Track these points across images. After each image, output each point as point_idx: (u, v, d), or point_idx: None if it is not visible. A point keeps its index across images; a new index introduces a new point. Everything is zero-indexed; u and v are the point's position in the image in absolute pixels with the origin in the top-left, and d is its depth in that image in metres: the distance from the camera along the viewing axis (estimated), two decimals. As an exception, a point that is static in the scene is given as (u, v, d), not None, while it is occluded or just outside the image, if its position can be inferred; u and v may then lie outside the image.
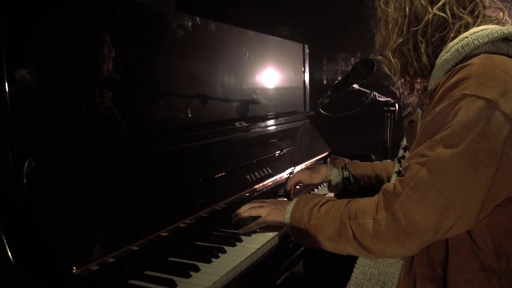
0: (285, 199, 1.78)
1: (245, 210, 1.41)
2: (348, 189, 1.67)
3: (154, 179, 1.34)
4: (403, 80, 1.23)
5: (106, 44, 1.31)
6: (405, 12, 1.12)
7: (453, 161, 0.93)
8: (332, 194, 1.75)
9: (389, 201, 1.02)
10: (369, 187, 1.65)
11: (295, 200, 1.28)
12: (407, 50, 1.14)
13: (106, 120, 1.32)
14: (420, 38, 1.11)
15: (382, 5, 1.18)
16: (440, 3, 1.08)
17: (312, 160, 2.27)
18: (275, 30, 3.68)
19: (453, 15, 1.08)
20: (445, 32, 1.09)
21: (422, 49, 1.11)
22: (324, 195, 1.31)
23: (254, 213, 1.39)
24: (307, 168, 1.81)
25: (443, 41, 1.10)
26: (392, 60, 1.19)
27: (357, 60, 1.68)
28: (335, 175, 1.69)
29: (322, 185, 1.91)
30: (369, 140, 2.79)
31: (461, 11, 1.08)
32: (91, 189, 1.13)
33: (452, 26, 1.08)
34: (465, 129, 0.92)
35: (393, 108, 2.05)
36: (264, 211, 1.36)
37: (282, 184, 1.94)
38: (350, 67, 1.79)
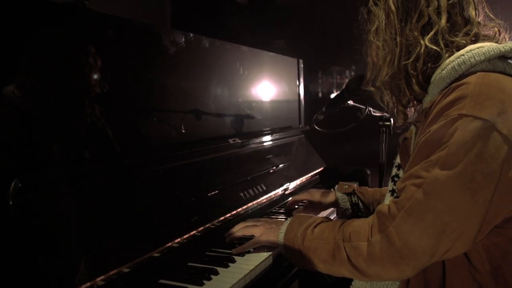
0: (281, 217, 1.76)
1: (239, 230, 1.38)
2: (357, 216, 1.64)
3: (145, 198, 1.31)
4: (396, 109, 1.21)
5: (97, 61, 1.29)
6: (396, 43, 1.08)
7: (449, 183, 0.91)
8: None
9: (383, 223, 1.00)
10: None
11: (289, 220, 1.26)
12: (399, 81, 1.11)
13: (96, 138, 1.30)
14: (412, 71, 1.08)
15: (372, 35, 1.14)
16: (431, 33, 1.05)
17: (307, 176, 2.25)
18: (270, 45, 3.69)
19: (446, 44, 1.05)
20: (439, 63, 1.05)
21: (414, 81, 1.09)
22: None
23: (247, 232, 1.36)
24: (315, 190, 1.78)
25: (437, 67, 1.06)
26: (385, 91, 1.16)
27: (352, 77, 1.67)
28: (344, 201, 1.66)
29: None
30: (365, 155, 2.78)
31: (454, 36, 1.05)
32: (80, 210, 1.11)
33: (445, 54, 1.05)
34: (461, 150, 0.90)
35: (388, 123, 2.04)
36: (258, 230, 1.34)
37: (277, 200, 1.92)
38: (346, 80, 1.78)
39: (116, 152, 1.35)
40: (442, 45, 1.05)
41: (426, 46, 1.05)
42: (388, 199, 1.23)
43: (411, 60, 1.07)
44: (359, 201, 1.63)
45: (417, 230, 0.93)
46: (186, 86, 1.68)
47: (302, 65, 2.63)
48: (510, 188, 0.92)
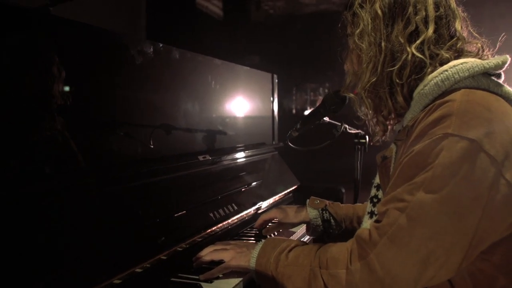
0: (251, 240, 1.67)
1: (207, 254, 1.29)
2: (328, 233, 1.56)
3: (105, 218, 1.21)
4: (375, 120, 1.17)
5: (58, 70, 1.20)
6: (381, 48, 1.05)
7: (435, 207, 0.85)
8: (306, 238, 1.65)
9: (364, 249, 0.93)
10: (351, 230, 1.53)
11: (261, 244, 1.18)
12: (382, 90, 1.07)
13: (55, 154, 1.20)
14: (397, 80, 1.04)
15: (356, 38, 1.10)
16: (418, 42, 1.02)
17: (280, 194, 2.18)
18: (245, 60, 3.66)
19: (431, 55, 1.02)
20: (422, 74, 1.02)
21: (398, 90, 1.05)
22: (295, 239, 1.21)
23: (216, 257, 1.27)
24: (284, 206, 1.69)
25: (420, 81, 1.03)
26: (365, 99, 1.12)
27: (328, 93, 1.61)
28: (315, 217, 1.57)
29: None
30: (339, 173, 2.73)
31: (439, 48, 1.02)
32: (34, 231, 1.00)
33: (429, 66, 1.02)
34: (447, 173, 0.85)
35: (364, 140, 2.00)
36: (227, 254, 1.24)
37: (249, 221, 1.83)
38: (319, 97, 1.72)
39: (74, 169, 1.25)
40: (427, 55, 1.01)
41: (413, 54, 1.01)
42: (366, 222, 1.17)
43: (396, 67, 1.03)
44: (331, 218, 1.55)
45: (400, 257, 0.87)
46: (155, 99, 1.59)
47: (276, 80, 2.57)
48: (498, 212, 0.86)
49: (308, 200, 1.62)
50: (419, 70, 1.02)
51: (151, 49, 1.54)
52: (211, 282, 1.23)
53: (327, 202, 1.60)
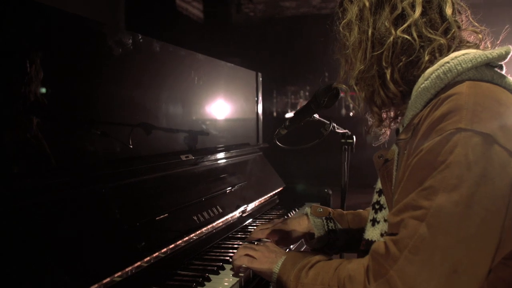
0: (237, 243, 1.56)
1: (238, 258, 1.21)
2: (332, 244, 1.41)
3: (80, 222, 1.11)
4: (370, 111, 1.11)
5: (31, 63, 1.10)
6: (368, 35, 1.02)
7: (457, 211, 0.77)
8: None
9: (382, 266, 0.84)
10: (359, 240, 1.30)
11: (282, 259, 1.10)
12: (372, 77, 1.03)
13: (25, 154, 1.10)
14: (384, 64, 1.00)
15: (344, 29, 1.08)
16: (405, 25, 0.98)
17: (266, 197, 2.10)
18: (226, 59, 3.61)
19: (420, 36, 0.98)
20: (413, 56, 0.98)
21: (388, 76, 1.00)
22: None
23: (247, 263, 1.18)
24: (282, 219, 1.52)
25: (412, 66, 0.99)
26: (356, 89, 1.08)
27: (320, 87, 1.53)
28: (319, 227, 1.43)
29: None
30: (325, 173, 2.66)
31: (431, 32, 0.98)
32: (5, 235, 0.91)
33: (421, 50, 0.98)
34: (465, 171, 0.78)
35: (351, 141, 1.94)
36: (256, 255, 1.18)
37: (234, 224, 1.75)
38: (300, 100, 1.65)
39: (46, 169, 1.14)
40: (416, 37, 0.98)
41: (397, 36, 0.99)
42: (369, 230, 1.10)
43: (382, 51, 1.00)
44: (336, 227, 1.42)
45: (424, 273, 0.79)
46: (134, 95, 1.49)
47: (261, 79, 2.49)
48: None
49: (308, 208, 1.48)
50: (409, 52, 0.99)
51: (130, 40, 1.44)
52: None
53: (330, 209, 1.47)
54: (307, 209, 1.47)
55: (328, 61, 1.20)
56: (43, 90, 1.14)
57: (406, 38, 0.98)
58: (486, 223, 0.78)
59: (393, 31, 0.99)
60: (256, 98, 2.48)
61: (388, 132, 1.17)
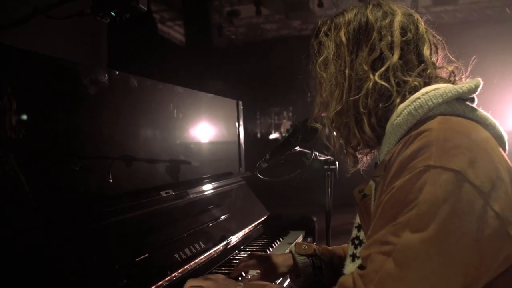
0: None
1: None
2: (319, 283, 1.37)
3: (57, 267, 1.07)
4: (345, 151, 1.10)
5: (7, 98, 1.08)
6: (345, 76, 1.01)
7: (423, 248, 0.77)
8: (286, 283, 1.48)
9: None
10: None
11: None
12: (348, 120, 1.02)
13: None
14: (362, 109, 0.99)
15: (320, 66, 1.06)
16: (383, 69, 0.98)
17: (250, 227, 2.06)
18: (208, 86, 3.62)
19: (398, 83, 0.97)
20: (389, 102, 0.97)
21: (365, 120, 0.99)
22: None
23: None
24: (266, 254, 1.50)
25: (388, 111, 0.97)
26: (332, 129, 1.06)
27: (298, 122, 1.52)
28: (304, 265, 1.39)
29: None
30: (310, 200, 2.65)
31: (406, 76, 0.97)
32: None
33: (397, 94, 0.97)
34: (433, 209, 0.77)
35: (334, 167, 1.94)
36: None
37: (218, 257, 1.70)
38: (284, 121, 1.64)
39: (19, 211, 1.10)
40: (393, 83, 0.97)
41: (375, 82, 0.97)
42: (349, 265, 1.07)
43: (360, 95, 0.98)
44: (322, 265, 1.39)
45: None
46: (112, 131, 1.46)
47: (241, 107, 2.49)
48: (489, 247, 0.79)
49: (292, 246, 1.44)
50: (386, 98, 0.97)
51: (106, 77, 1.42)
52: None
53: (315, 246, 1.44)
54: (292, 247, 1.45)
55: (310, 82, 1.17)
56: (20, 128, 1.12)
57: (384, 85, 0.97)
58: (452, 260, 0.77)
59: (371, 76, 0.98)
60: (237, 126, 2.47)
61: (365, 159, 1.14)
